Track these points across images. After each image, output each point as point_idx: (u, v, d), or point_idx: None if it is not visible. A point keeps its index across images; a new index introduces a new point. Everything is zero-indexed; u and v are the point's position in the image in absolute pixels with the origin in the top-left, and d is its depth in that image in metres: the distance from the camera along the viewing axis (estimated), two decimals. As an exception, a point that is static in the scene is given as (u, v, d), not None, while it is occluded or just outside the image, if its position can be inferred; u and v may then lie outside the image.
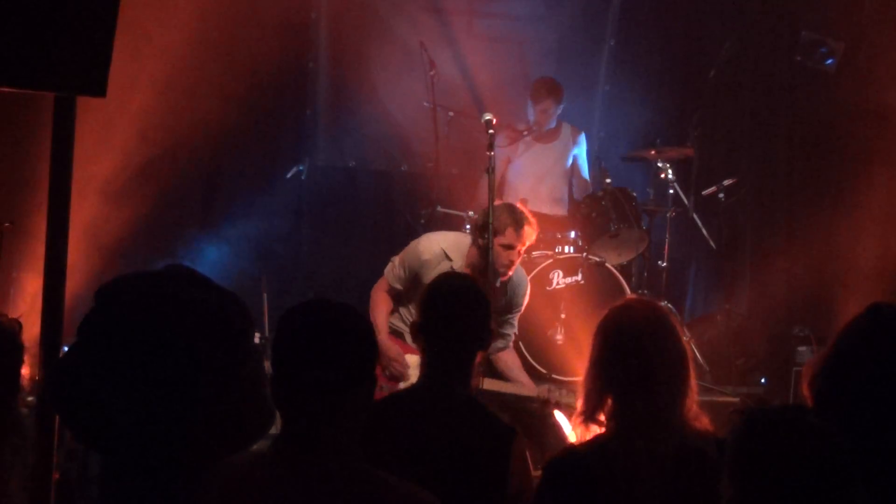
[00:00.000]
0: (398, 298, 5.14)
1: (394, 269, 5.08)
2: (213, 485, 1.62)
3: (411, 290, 5.00)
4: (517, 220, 4.84)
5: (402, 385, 4.90)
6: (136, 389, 1.41)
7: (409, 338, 4.91)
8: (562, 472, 2.59)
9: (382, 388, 4.83)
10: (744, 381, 6.61)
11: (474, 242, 4.97)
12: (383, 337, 4.94)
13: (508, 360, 5.25)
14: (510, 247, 4.86)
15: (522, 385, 5.15)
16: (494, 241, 4.79)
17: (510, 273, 4.96)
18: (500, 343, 5.18)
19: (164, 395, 1.42)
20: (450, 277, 3.67)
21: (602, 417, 2.66)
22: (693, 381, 2.70)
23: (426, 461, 2.70)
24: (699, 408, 2.70)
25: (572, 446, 2.68)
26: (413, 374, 4.90)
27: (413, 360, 4.94)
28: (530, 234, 4.90)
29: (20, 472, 3.04)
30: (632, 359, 2.63)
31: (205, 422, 1.44)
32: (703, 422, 2.69)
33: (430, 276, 4.91)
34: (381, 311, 5.05)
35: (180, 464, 1.46)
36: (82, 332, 1.49)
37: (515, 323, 5.28)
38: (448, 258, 5.01)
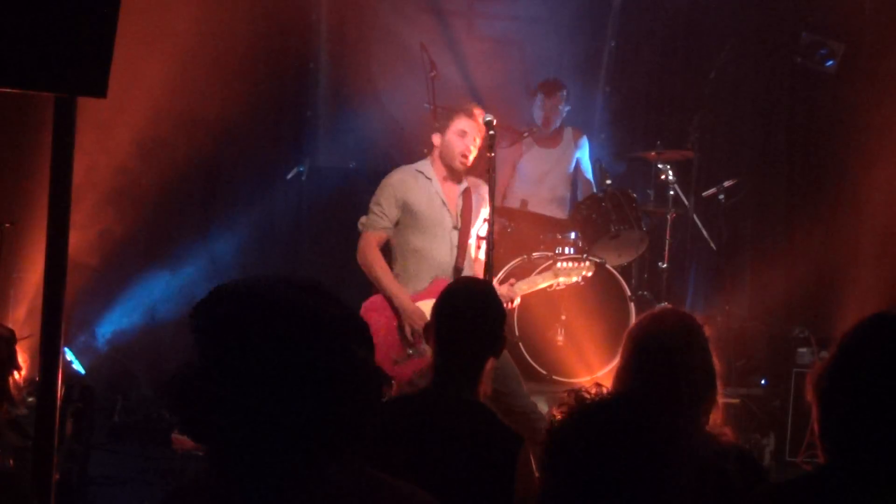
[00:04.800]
0: (390, 246, 5.04)
1: (379, 213, 4.96)
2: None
3: (405, 226, 4.97)
4: (465, 107, 4.97)
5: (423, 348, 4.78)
6: (245, 389, 1.44)
7: (416, 283, 4.93)
8: None
9: (396, 363, 4.79)
10: (744, 382, 6.61)
11: (432, 148, 5.04)
12: (403, 299, 4.81)
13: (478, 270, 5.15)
14: (463, 133, 4.93)
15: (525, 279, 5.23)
16: (448, 131, 4.95)
17: (468, 163, 4.98)
18: (479, 253, 5.08)
19: (267, 397, 1.44)
20: (465, 283, 3.65)
21: None
22: (719, 396, 2.70)
23: (432, 465, 2.69)
24: (723, 421, 2.70)
25: None
26: None
27: (427, 307, 4.78)
28: (478, 114, 4.97)
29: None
30: (659, 374, 2.63)
31: (297, 426, 1.47)
32: (727, 434, 2.68)
33: (415, 194, 4.97)
34: (385, 273, 4.89)
35: (286, 466, 1.49)
36: (199, 327, 1.50)
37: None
38: (419, 171, 5.03)
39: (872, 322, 1.94)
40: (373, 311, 4.84)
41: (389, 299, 4.85)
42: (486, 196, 4.97)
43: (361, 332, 1.56)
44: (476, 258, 5.11)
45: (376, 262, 4.92)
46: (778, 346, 6.56)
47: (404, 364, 4.82)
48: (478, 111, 4.97)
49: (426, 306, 4.84)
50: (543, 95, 6.80)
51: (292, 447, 1.47)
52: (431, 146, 5.10)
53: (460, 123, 4.94)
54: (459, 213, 5.04)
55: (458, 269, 5.01)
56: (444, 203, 5.01)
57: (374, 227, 4.97)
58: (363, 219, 5.04)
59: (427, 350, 4.64)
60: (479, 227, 5.10)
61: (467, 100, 5.03)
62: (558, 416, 1.92)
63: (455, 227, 5.02)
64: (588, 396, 1.94)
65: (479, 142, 4.98)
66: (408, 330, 4.81)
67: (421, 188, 5.00)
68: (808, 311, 7.14)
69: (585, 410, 1.90)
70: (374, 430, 1.59)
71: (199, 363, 1.49)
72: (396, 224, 4.99)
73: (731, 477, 2.55)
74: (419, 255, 4.97)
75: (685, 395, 2.62)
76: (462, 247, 5.02)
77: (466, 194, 5.07)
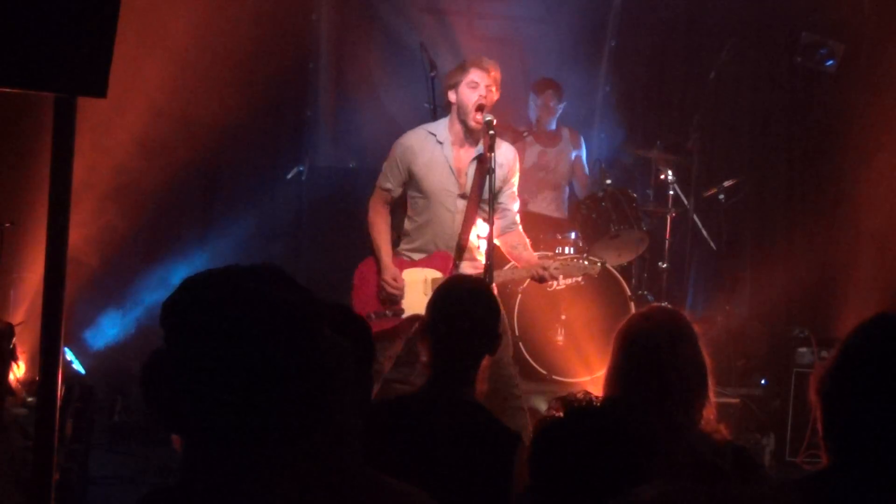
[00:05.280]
0: (397, 209, 5.06)
1: (387, 174, 5.00)
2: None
3: (412, 189, 4.95)
4: (473, 58, 4.86)
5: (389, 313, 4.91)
6: (210, 378, 1.48)
7: (422, 244, 4.96)
8: None
9: (370, 317, 4.81)
10: (744, 382, 6.61)
11: (450, 107, 4.95)
12: (384, 260, 4.89)
13: (514, 240, 5.08)
14: (475, 84, 4.84)
15: (515, 268, 5.07)
16: (461, 86, 4.84)
17: (486, 113, 4.81)
18: (504, 221, 5.02)
19: (233, 386, 1.48)
20: (460, 280, 3.64)
21: None
22: (711, 393, 2.70)
23: (430, 464, 2.69)
24: (716, 418, 2.70)
25: None
26: (411, 291, 4.89)
27: (411, 276, 4.91)
28: (490, 65, 4.86)
29: (9, 468, 3.04)
30: (649, 370, 2.63)
31: (273, 414, 1.49)
32: (722, 432, 2.69)
33: (420, 160, 4.91)
34: (380, 232, 4.97)
35: (254, 453, 1.51)
36: (165, 318, 1.55)
37: (516, 195, 5.09)
38: (432, 133, 4.98)
39: (875, 322, 1.94)
40: (365, 266, 4.97)
41: (375, 257, 4.95)
42: (512, 161, 4.98)
43: (320, 315, 1.58)
44: (496, 229, 4.92)
45: (376, 219, 5.00)
46: (778, 346, 6.56)
47: (378, 321, 4.86)
48: (488, 61, 4.90)
49: (415, 274, 4.88)
50: (534, 94, 6.82)
51: (258, 431, 1.49)
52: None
53: (472, 74, 4.85)
54: (471, 180, 4.93)
55: (461, 237, 4.94)
56: (451, 170, 4.92)
57: (382, 187, 5.03)
58: (380, 177, 5.07)
59: (400, 312, 4.79)
60: (503, 194, 4.97)
61: (476, 54, 4.93)
62: (547, 419, 1.93)
63: (462, 196, 4.92)
64: (576, 401, 1.95)
65: (495, 91, 4.88)
66: (382, 292, 4.89)
67: (428, 154, 4.93)
68: (808, 311, 7.14)
69: (574, 414, 1.91)
70: (348, 408, 1.62)
71: (164, 351, 1.53)
72: (405, 185, 4.99)
73: (728, 474, 2.56)
74: (422, 220, 4.97)
75: (676, 392, 2.63)
76: (469, 216, 4.93)
77: (482, 160, 4.91)
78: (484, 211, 4.86)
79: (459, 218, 4.93)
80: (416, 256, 4.97)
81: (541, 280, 4.95)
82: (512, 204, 5.06)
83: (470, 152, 4.96)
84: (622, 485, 1.82)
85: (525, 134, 6.78)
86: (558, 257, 5.95)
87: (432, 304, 3.06)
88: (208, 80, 6.60)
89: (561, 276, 4.96)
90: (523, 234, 5.12)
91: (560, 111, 6.89)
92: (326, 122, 7.64)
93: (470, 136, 4.93)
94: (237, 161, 7.32)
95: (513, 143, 6.65)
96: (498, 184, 4.91)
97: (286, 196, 7.31)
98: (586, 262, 5.14)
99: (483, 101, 4.83)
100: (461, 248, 4.94)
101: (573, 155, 6.96)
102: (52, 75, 2.25)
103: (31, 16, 2.22)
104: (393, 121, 7.28)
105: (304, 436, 1.54)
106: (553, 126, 6.90)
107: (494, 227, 4.82)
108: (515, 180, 5.06)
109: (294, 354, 1.51)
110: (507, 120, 6.58)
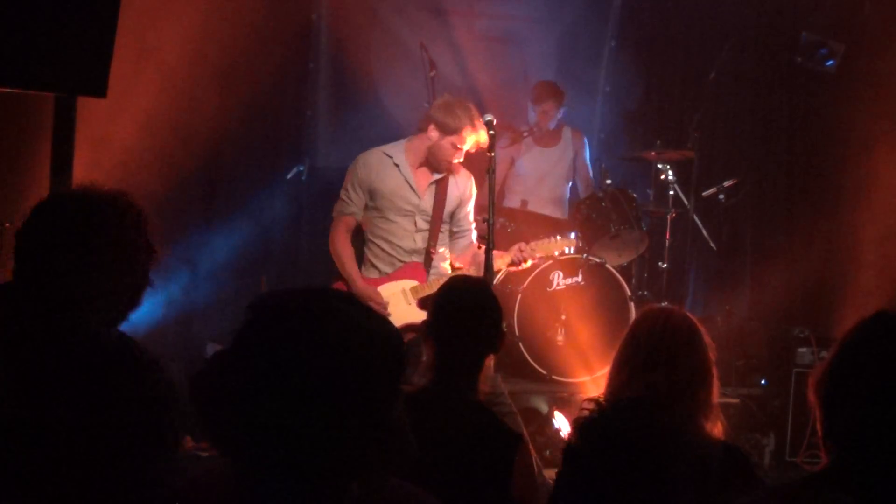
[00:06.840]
0: (361, 232, 5.08)
1: (346, 198, 5.02)
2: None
3: (372, 210, 4.98)
4: (479, 127, 4.84)
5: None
6: (282, 403, 1.39)
7: (382, 268, 4.98)
8: None
9: None
10: (744, 382, 6.60)
11: (422, 132, 4.98)
12: (358, 283, 4.93)
13: (474, 253, 5.17)
14: (459, 149, 4.91)
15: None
16: (449, 136, 4.88)
17: (485, 113, 4.90)
18: (463, 241, 5.16)
19: (309, 413, 1.39)
20: (462, 280, 3.65)
21: None
22: (715, 394, 2.74)
23: (430, 464, 2.69)
24: (715, 416, 2.73)
25: None
26: (392, 305, 4.92)
27: (387, 290, 4.94)
28: (483, 140, 4.89)
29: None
30: (662, 365, 2.66)
31: (346, 447, 1.41)
32: (717, 429, 2.71)
33: (380, 178, 4.96)
34: (347, 257, 5.00)
35: (311, 484, 1.43)
36: (238, 340, 1.45)
37: (471, 220, 5.20)
38: (388, 156, 5.01)
39: (873, 321, 1.94)
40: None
41: (346, 283, 4.97)
42: (468, 187, 5.05)
43: (402, 351, 1.52)
44: (457, 248, 5.14)
45: (340, 247, 5.01)
46: (778, 346, 6.56)
47: None
48: (484, 131, 4.88)
49: (392, 288, 4.93)
50: (532, 103, 6.80)
51: (326, 465, 1.42)
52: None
53: (464, 140, 4.89)
54: (432, 199, 5.02)
55: (428, 254, 5.01)
56: (412, 188, 4.99)
57: (343, 213, 5.05)
58: (337, 204, 5.09)
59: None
60: (458, 216, 5.09)
61: (479, 115, 4.88)
62: (586, 415, 1.93)
63: (423, 212, 5.00)
64: (614, 399, 1.95)
65: (473, 150, 4.99)
66: None
67: (387, 172, 4.99)
68: (808, 311, 7.14)
69: (606, 415, 1.91)
70: (408, 449, 1.54)
71: (224, 368, 1.44)
72: (366, 208, 5.02)
73: (718, 468, 2.57)
74: (385, 240, 5.01)
75: (685, 388, 2.65)
76: (433, 233, 5.02)
77: (441, 182, 5.05)
78: (446, 230, 5.07)
79: (420, 234, 5.01)
80: (379, 273, 5.03)
81: (520, 262, 5.07)
82: (469, 226, 5.17)
83: (428, 175, 5.05)
84: (656, 483, 1.82)
85: (525, 134, 6.78)
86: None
87: (435, 304, 3.06)
88: (207, 81, 6.59)
89: (538, 254, 5.18)
90: (475, 247, 5.20)
91: (561, 115, 6.87)
92: (326, 122, 7.64)
93: (431, 164, 5.03)
94: (237, 161, 7.31)
95: (512, 143, 6.71)
96: (453, 205, 5.05)
97: (286, 196, 7.31)
98: (559, 238, 5.28)
99: (452, 163, 4.98)
100: (429, 259, 5.01)
101: (574, 156, 6.95)
102: (52, 75, 2.26)
103: (31, 16, 2.22)
104: (393, 121, 7.28)
105: (367, 473, 1.46)
106: (552, 127, 6.89)
107: (452, 247, 5.09)
108: (471, 206, 5.15)
109: (381, 385, 1.44)
110: (507, 119, 6.58)
